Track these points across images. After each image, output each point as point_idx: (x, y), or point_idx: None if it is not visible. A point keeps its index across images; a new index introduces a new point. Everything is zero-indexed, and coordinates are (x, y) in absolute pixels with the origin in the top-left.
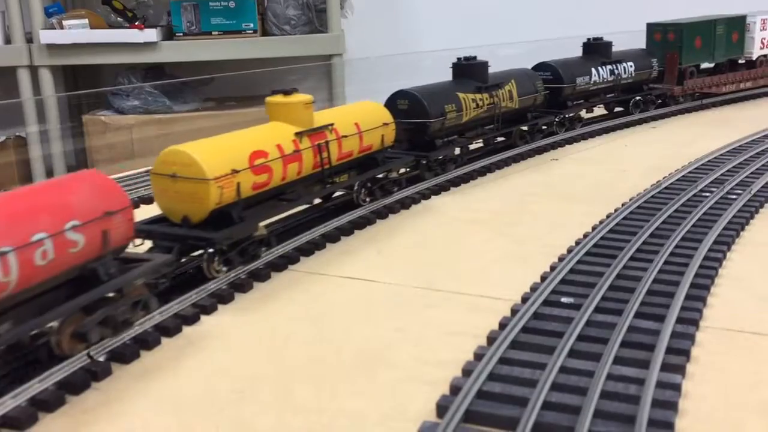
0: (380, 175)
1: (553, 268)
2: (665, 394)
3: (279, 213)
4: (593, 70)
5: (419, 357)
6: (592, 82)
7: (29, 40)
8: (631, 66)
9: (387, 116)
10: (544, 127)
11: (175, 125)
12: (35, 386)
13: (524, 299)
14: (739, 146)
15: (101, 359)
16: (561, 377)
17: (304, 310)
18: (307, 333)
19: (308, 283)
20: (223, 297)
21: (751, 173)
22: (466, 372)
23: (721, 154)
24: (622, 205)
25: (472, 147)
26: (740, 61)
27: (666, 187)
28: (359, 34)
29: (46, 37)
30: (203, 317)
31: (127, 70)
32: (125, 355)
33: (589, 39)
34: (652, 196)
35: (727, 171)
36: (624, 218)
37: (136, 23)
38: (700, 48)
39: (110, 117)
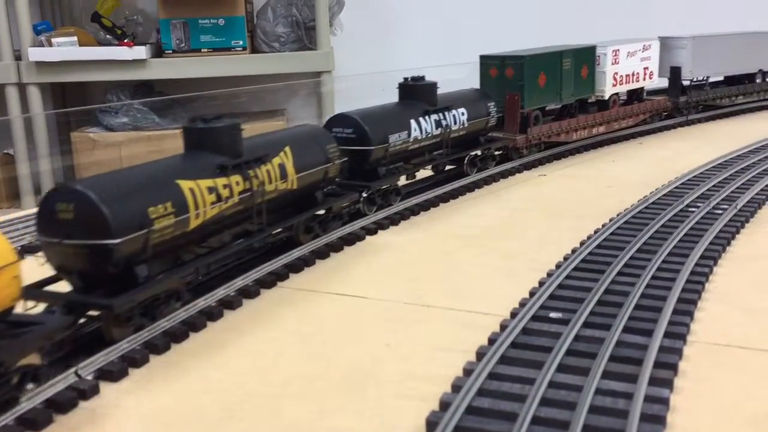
0: None
1: (541, 283)
2: (653, 409)
3: None
4: (413, 122)
5: (409, 373)
6: (412, 139)
7: (18, 57)
8: (462, 113)
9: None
10: (344, 206)
11: (165, 142)
12: (23, 405)
13: (513, 314)
14: (725, 161)
15: (89, 377)
16: (550, 392)
17: (293, 326)
18: (296, 350)
19: (298, 300)
20: (212, 314)
21: (737, 188)
22: (456, 388)
23: (707, 170)
24: (610, 220)
25: (217, 257)
26: (590, 100)
27: (653, 202)
28: (348, 51)
29: (35, 54)
30: (192, 334)
31: (116, 88)
32: (113, 373)
33: (406, 79)
34: (640, 212)
35: (713, 186)
36: (612, 233)
37: (126, 40)
38: (545, 86)
39: (99, 134)
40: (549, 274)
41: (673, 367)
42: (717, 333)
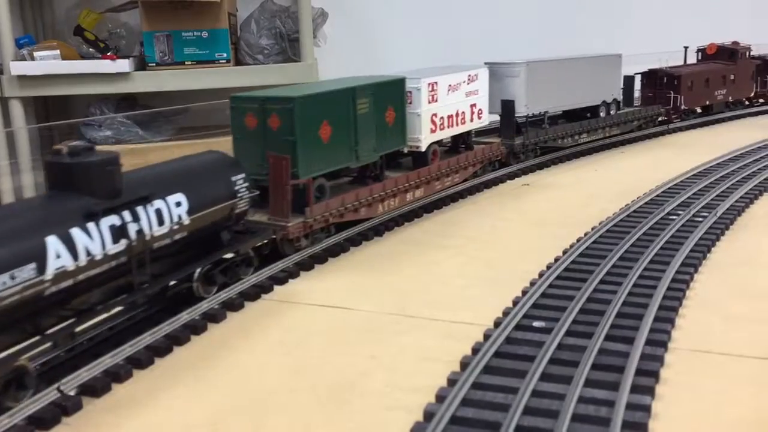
0: None
1: (524, 292)
2: (635, 416)
3: None
4: (54, 241)
5: (393, 384)
6: (51, 276)
7: (0, 71)
8: (178, 203)
9: None
10: None
11: (149, 155)
12: (4, 422)
13: (496, 324)
14: (705, 169)
15: (72, 393)
16: (533, 401)
17: (278, 339)
18: (281, 362)
19: (282, 312)
20: (197, 328)
21: (716, 196)
22: (440, 398)
23: (687, 178)
24: (592, 229)
25: None
26: (404, 150)
27: (634, 211)
28: (332, 62)
29: (17, 68)
30: (175, 348)
31: (99, 101)
32: (96, 388)
33: (57, 151)
34: (621, 220)
35: (693, 194)
36: (594, 242)
37: (109, 54)
38: (332, 140)
39: None
40: (532, 283)
41: (655, 375)
42: (697, 340)
